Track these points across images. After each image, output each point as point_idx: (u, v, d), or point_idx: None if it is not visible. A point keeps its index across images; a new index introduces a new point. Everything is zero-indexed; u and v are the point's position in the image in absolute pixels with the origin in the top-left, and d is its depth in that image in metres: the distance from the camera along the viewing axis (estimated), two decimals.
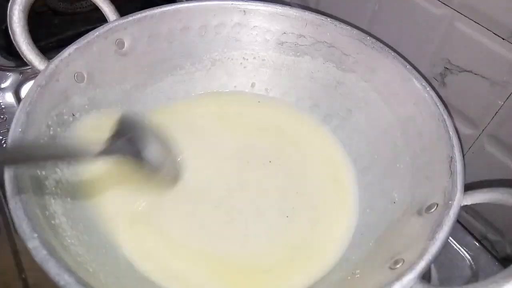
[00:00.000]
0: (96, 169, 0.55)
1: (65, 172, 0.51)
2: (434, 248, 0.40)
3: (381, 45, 0.58)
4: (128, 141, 0.46)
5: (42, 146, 0.48)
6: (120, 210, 0.54)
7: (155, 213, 0.55)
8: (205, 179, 0.59)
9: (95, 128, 0.56)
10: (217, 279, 0.50)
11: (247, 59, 0.68)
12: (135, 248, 0.51)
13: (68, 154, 0.44)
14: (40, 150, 0.43)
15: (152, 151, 0.47)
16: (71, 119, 0.53)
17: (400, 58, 0.56)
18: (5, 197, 0.40)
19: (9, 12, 0.52)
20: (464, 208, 0.43)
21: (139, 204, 0.56)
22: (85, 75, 0.55)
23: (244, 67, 0.69)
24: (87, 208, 0.52)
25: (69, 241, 0.44)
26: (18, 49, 0.53)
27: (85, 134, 0.55)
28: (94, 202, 0.54)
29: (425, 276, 0.41)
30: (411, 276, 0.38)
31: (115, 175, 0.55)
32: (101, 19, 0.59)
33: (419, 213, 0.46)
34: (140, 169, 0.48)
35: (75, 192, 0.51)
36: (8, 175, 0.41)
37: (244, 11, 0.63)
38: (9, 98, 0.69)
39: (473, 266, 0.57)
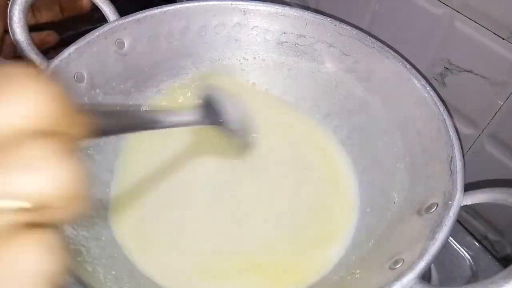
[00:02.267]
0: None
1: None
2: (434, 248, 0.39)
3: (381, 45, 0.58)
4: (213, 111, 0.50)
5: (132, 114, 0.47)
6: (122, 210, 0.54)
7: (157, 211, 0.55)
8: (203, 179, 0.59)
9: None
10: (217, 280, 0.51)
11: (247, 59, 0.68)
12: (136, 247, 0.52)
13: (163, 122, 0.45)
14: (131, 118, 0.42)
15: (232, 119, 0.51)
16: None
17: (400, 58, 0.56)
18: None
19: (9, 11, 0.52)
20: (464, 208, 0.43)
21: (142, 203, 0.56)
22: (85, 75, 0.55)
23: (244, 67, 0.69)
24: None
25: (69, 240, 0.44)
26: (18, 49, 0.53)
27: None
28: (97, 204, 0.54)
29: (425, 276, 0.41)
30: (411, 276, 0.38)
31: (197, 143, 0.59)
32: (101, 19, 0.59)
33: (419, 213, 0.46)
34: (222, 135, 0.51)
35: None
36: None
37: (244, 11, 0.63)
38: None
39: (473, 266, 0.57)
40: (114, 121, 0.37)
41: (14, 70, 0.22)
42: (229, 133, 0.52)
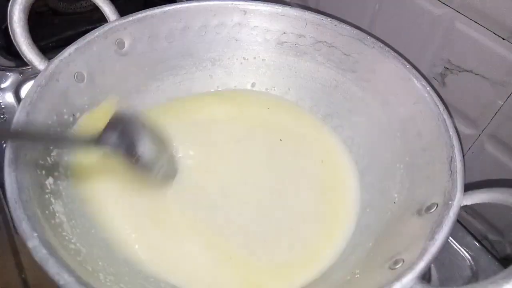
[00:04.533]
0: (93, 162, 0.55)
1: (65, 168, 0.51)
2: (434, 248, 0.39)
3: (381, 45, 0.58)
4: (122, 134, 0.46)
5: (41, 130, 0.47)
6: (122, 208, 0.54)
7: (157, 211, 0.55)
8: (204, 178, 0.59)
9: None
10: (218, 276, 0.51)
11: (247, 59, 0.68)
12: (137, 247, 0.52)
13: (63, 140, 0.44)
14: (38, 132, 0.42)
15: (145, 148, 0.47)
16: (71, 119, 0.53)
17: (400, 58, 0.56)
18: (5, 196, 0.40)
19: (10, 12, 0.52)
20: (464, 208, 0.43)
21: (140, 202, 0.56)
22: (85, 75, 0.55)
23: (244, 67, 0.69)
24: (87, 207, 0.52)
25: (70, 240, 0.44)
26: (18, 49, 0.53)
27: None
28: (95, 200, 0.54)
29: (425, 276, 0.41)
30: (411, 276, 0.38)
31: (107, 169, 0.55)
32: (101, 19, 0.59)
33: (419, 213, 0.46)
34: (130, 165, 0.47)
35: (75, 191, 0.51)
36: (8, 175, 0.41)
37: (244, 11, 0.63)
38: (9, 98, 0.69)
39: (473, 266, 0.57)
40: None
41: None
42: (138, 165, 0.48)
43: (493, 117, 0.55)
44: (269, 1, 0.63)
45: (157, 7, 0.60)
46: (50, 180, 0.48)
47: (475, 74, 0.54)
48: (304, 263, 0.52)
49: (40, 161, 0.47)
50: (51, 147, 0.49)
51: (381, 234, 0.50)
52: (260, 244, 0.54)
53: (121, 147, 0.46)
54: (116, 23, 0.58)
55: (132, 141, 0.46)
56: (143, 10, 0.60)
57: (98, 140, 0.44)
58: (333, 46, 0.62)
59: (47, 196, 0.46)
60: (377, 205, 0.55)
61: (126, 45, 0.60)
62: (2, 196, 0.55)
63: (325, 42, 0.62)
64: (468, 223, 0.63)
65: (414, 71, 0.54)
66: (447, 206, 0.42)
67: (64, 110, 0.52)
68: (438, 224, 0.41)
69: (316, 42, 0.63)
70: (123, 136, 0.46)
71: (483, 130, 0.57)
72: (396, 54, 0.57)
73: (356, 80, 0.62)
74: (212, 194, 0.58)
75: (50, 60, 0.52)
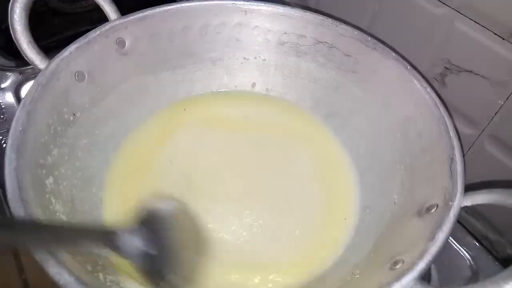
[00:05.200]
0: None
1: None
2: (434, 249, 0.39)
3: (382, 46, 0.58)
4: (147, 235, 0.41)
5: (52, 227, 0.40)
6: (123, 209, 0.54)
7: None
8: (206, 180, 0.59)
9: None
10: (216, 277, 0.50)
11: (248, 59, 0.68)
12: None
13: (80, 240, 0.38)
14: (48, 231, 0.37)
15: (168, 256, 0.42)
16: (71, 118, 0.53)
17: (401, 59, 0.56)
18: (5, 197, 0.40)
19: (10, 10, 0.52)
20: (464, 208, 0.43)
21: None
22: (86, 74, 0.55)
23: (245, 67, 0.69)
24: (87, 208, 0.52)
25: None
26: (19, 48, 0.53)
27: None
28: (95, 201, 0.54)
29: (425, 276, 0.41)
30: (411, 276, 0.38)
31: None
32: (102, 19, 0.58)
33: (419, 213, 0.46)
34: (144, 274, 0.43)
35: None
36: (8, 174, 0.41)
37: (245, 11, 0.63)
38: (9, 98, 0.69)
39: (473, 266, 0.57)
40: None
41: None
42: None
43: (493, 117, 0.55)
44: (269, 1, 0.63)
45: (158, 6, 0.60)
46: (51, 179, 0.48)
47: (475, 74, 0.54)
48: (304, 264, 0.52)
49: (41, 160, 0.47)
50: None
51: (381, 234, 0.50)
52: (259, 244, 0.54)
53: (140, 254, 0.40)
54: (117, 22, 0.58)
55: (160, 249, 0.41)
56: (144, 10, 0.59)
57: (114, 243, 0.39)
58: (334, 47, 0.62)
59: (47, 196, 0.46)
60: (377, 205, 0.55)
61: (127, 44, 0.59)
62: (2, 197, 0.55)
63: (326, 42, 0.62)
64: (468, 223, 0.63)
65: (415, 72, 0.54)
66: (447, 207, 0.42)
67: (65, 109, 0.52)
68: (438, 225, 0.41)
69: (317, 42, 0.63)
70: (149, 237, 0.41)
71: (483, 130, 0.57)
72: (397, 55, 0.56)
73: (356, 81, 0.62)
74: (208, 197, 0.58)
75: (51, 59, 0.52)
